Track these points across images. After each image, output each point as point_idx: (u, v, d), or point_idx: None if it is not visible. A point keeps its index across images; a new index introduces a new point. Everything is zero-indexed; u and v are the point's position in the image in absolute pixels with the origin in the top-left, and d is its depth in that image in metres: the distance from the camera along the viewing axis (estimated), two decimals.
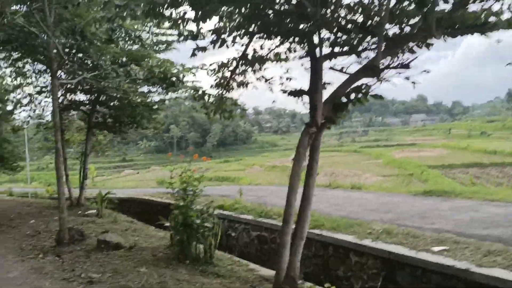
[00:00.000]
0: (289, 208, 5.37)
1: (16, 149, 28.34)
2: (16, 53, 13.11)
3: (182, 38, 5.86)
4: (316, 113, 5.29)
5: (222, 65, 6.54)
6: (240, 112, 8.07)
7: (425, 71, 5.17)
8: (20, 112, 18.10)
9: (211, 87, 7.29)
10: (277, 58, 6.58)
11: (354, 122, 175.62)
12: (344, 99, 5.59)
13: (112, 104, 14.46)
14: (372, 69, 5.03)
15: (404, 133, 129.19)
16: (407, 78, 5.23)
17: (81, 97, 15.75)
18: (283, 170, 74.84)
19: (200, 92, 10.99)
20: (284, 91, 6.16)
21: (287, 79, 6.35)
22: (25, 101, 17.21)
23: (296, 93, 6.06)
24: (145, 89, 13.85)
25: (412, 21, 4.90)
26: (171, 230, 8.17)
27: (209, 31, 5.58)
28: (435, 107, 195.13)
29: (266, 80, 6.56)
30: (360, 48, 5.38)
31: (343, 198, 14.60)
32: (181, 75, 9.44)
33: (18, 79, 16.73)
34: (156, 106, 14.99)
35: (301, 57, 6.30)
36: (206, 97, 7.59)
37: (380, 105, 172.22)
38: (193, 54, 5.88)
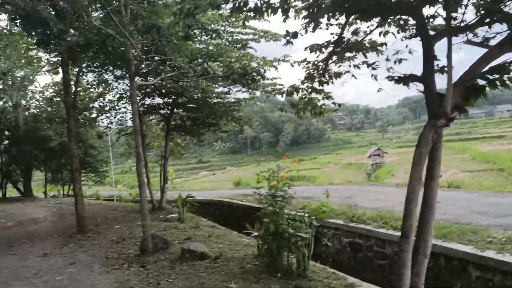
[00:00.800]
0: (410, 219, 4.35)
1: (101, 155, 29.74)
2: (97, 60, 13.36)
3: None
4: (443, 101, 4.23)
5: (317, 48, 5.63)
6: (332, 107, 7.13)
7: None
8: (103, 118, 18.59)
9: (301, 82, 6.44)
10: (373, 44, 5.55)
11: None
12: (479, 82, 4.45)
13: (190, 105, 14.20)
14: None
15: (489, 125, 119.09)
16: None
17: (159, 101, 15.77)
18: (359, 167, 72.34)
19: (280, 87, 10.29)
20: (391, 78, 5.15)
21: (395, 62, 5.30)
22: (107, 108, 17.66)
23: (406, 79, 5.04)
24: (222, 89, 13.44)
25: None
26: (258, 240, 7.46)
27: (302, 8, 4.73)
28: None
29: (368, 66, 5.55)
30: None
31: (442, 199, 12.97)
32: (262, 70, 8.75)
33: (100, 87, 17.21)
34: (233, 107, 14.53)
35: (408, 37, 5.27)
36: (294, 93, 6.73)
37: None
38: (288, 42, 5.12)
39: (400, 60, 5.26)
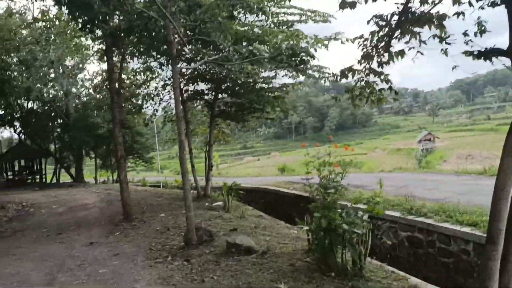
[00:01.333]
0: (498, 221, 3.62)
1: (147, 141, 30.15)
2: (141, 46, 13.16)
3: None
4: None
5: (380, 19, 4.91)
6: (391, 95, 6.37)
7: None
8: (148, 106, 18.56)
9: (358, 62, 5.74)
10: (444, 16, 4.75)
11: (488, 98, 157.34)
12: None
13: (234, 91, 13.74)
14: None
15: None
16: None
17: (202, 86, 15.46)
18: (408, 153, 69.86)
19: (327, 73, 9.53)
20: (469, 53, 4.36)
21: (476, 34, 4.48)
22: (152, 95, 17.58)
23: (489, 53, 4.25)
24: (268, 73, 12.84)
25: None
26: (309, 234, 6.91)
27: None
28: None
29: (441, 40, 4.76)
30: None
31: None
32: (312, 50, 8.08)
33: (146, 74, 17.11)
34: (278, 92, 13.93)
35: (490, 4, 4.44)
36: (350, 75, 6.03)
37: None
38: (343, 6, 4.44)
39: (482, 31, 4.43)
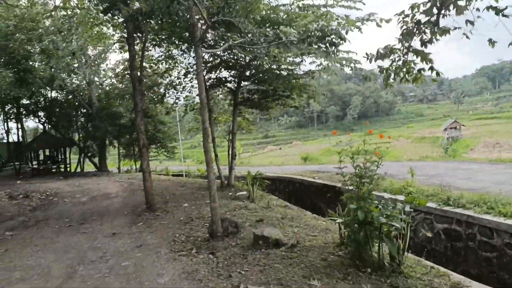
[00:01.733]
0: None
1: (169, 130, 30.05)
2: (162, 33, 12.85)
3: None
4: None
5: None
6: (431, 75, 5.85)
7: None
8: (170, 95, 18.33)
9: (399, 41, 5.25)
10: None
11: None
12: None
13: (259, 76, 13.31)
14: None
15: None
16: None
17: (225, 74, 15.09)
18: (433, 141, 68.21)
19: (355, 59, 8.99)
20: None
21: None
22: (174, 84, 17.34)
23: None
24: (294, 59, 12.33)
25: None
26: (341, 226, 6.50)
27: None
28: None
29: (497, 12, 4.21)
30: None
31: None
32: (343, 31, 7.52)
33: (168, 62, 16.84)
34: (304, 78, 13.42)
35: None
36: (386, 55, 5.55)
37: None
38: None
39: None
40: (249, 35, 8.30)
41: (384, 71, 6.13)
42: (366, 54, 5.95)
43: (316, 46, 7.67)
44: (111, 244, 7.90)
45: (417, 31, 5.32)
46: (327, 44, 7.71)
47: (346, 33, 7.50)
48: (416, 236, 9.15)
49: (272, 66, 11.98)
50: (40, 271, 6.29)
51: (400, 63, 5.96)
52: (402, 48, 5.67)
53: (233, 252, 6.55)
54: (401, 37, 5.40)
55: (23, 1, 21.83)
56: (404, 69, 5.93)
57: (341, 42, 7.74)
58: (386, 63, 6.08)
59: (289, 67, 12.91)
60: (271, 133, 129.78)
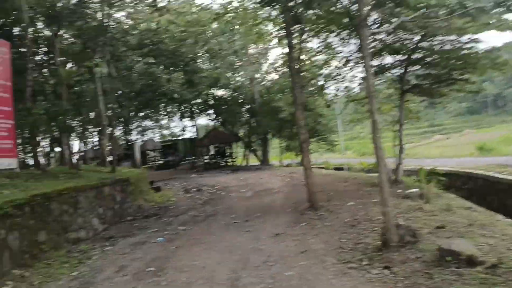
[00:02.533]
0: None
1: (329, 123, 29.46)
2: (320, 22, 12.25)
3: None
4: None
5: None
6: None
7: None
8: (329, 86, 17.70)
9: None
10: None
11: None
12: None
13: (432, 58, 11.71)
14: None
15: None
16: None
17: (389, 60, 13.78)
18: None
19: None
20: None
21: None
22: (333, 74, 16.67)
23: None
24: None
25: None
26: None
27: None
28: None
29: None
30: None
31: None
32: None
33: (326, 53, 16.23)
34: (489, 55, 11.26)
35: None
36: None
37: None
38: None
39: None
40: (422, 9, 7.04)
41: None
42: None
43: None
44: (274, 246, 7.57)
45: None
46: None
47: None
48: None
49: (449, 45, 10.27)
50: (205, 275, 6.20)
51: None
52: None
53: (413, 268, 5.49)
54: None
55: (189, 7, 23.58)
56: None
57: None
58: None
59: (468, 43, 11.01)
60: (437, 122, 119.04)
